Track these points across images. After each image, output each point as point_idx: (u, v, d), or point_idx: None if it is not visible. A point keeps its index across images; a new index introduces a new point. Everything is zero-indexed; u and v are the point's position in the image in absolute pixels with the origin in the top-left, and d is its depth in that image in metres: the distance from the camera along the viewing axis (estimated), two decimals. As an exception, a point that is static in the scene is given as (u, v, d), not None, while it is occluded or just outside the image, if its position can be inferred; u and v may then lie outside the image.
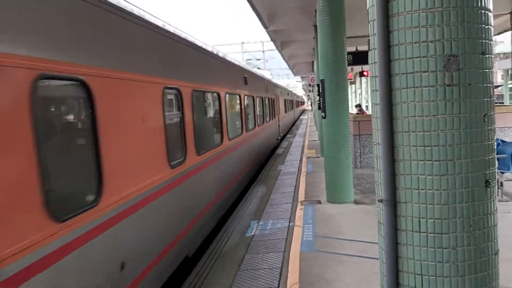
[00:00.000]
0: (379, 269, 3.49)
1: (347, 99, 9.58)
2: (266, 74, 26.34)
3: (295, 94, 55.57)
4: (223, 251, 7.07)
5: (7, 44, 2.97)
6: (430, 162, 2.99)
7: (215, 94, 8.93)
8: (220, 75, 9.57)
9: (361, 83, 45.10)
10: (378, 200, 3.38)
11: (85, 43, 3.92)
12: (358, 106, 23.01)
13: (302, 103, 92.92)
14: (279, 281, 5.68)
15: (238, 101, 11.64)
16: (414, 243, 3.10)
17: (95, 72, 3.99)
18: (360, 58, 17.38)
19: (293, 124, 44.97)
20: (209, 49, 8.78)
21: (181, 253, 6.02)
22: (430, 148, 2.99)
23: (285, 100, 32.04)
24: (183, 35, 6.88)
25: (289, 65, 37.61)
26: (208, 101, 8.79)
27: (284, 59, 31.40)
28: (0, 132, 2.88)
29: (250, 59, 62.53)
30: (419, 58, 2.96)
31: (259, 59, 58.38)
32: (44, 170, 3.20)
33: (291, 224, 8.19)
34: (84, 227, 3.65)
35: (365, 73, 34.20)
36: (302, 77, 60.05)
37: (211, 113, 9.12)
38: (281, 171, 14.85)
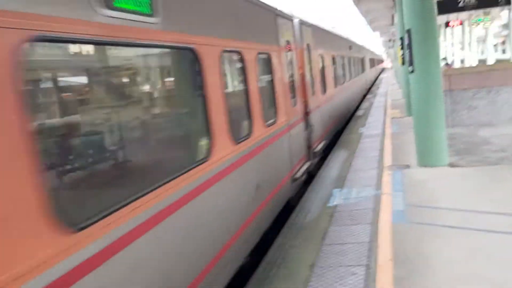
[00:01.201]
0: None
1: (438, 49, 8.49)
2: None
3: (374, 53, 59.45)
4: (304, 223, 6.55)
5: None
6: None
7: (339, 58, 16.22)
8: (339, 45, 16.85)
9: (445, 35, 41.86)
10: None
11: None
12: (444, 59, 21.16)
13: (381, 61, 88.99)
14: (369, 258, 5.07)
15: (347, 61, 19.02)
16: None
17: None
18: (445, 6, 15.85)
19: (374, 81, 46.77)
20: (335, 32, 15.73)
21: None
22: None
23: (369, 59, 39.06)
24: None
25: (367, 21, 35.57)
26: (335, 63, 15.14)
27: (361, 14, 29.62)
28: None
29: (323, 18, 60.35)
30: None
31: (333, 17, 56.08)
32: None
33: (378, 192, 7.46)
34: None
35: (450, 23, 31.51)
36: (381, 33, 56.99)
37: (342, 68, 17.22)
38: (362, 133, 13.95)
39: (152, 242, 3.21)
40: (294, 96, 8.26)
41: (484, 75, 12.31)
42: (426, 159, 8.65)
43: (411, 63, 8.56)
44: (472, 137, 10.77)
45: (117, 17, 3.05)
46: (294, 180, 7.68)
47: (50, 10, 2.46)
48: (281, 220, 6.91)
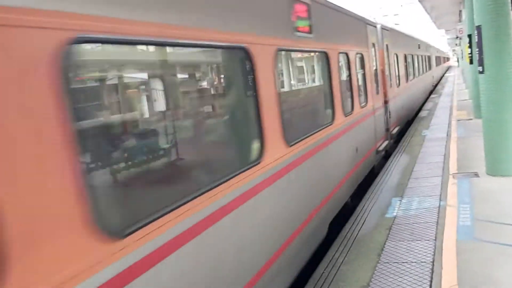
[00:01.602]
0: None
1: (512, 48, 7.71)
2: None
3: (440, 51, 59.29)
4: (359, 236, 6.10)
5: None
6: None
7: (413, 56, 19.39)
8: (409, 44, 18.90)
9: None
10: None
11: None
12: None
13: (447, 59, 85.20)
14: (431, 280, 4.56)
15: (416, 59, 21.11)
16: None
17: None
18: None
19: (440, 80, 46.20)
20: (406, 32, 17.93)
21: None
22: None
23: (435, 57, 40.75)
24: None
25: (431, 17, 33.97)
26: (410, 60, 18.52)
27: (426, 10, 28.27)
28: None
29: (387, 15, 58.65)
30: None
31: (397, 14, 54.59)
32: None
33: (442, 203, 6.86)
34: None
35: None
36: (446, 31, 54.37)
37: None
38: (426, 137, 13.15)
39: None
40: (377, 87, 10.66)
41: None
42: (496, 167, 7.89)
43: (481, 63, 7.83)
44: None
45: None
46: (378, 152, 10.12)
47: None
48: (335, 229, 6.51)
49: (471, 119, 15.20)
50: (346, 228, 6.47)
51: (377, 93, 10.53)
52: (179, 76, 4.85)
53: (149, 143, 3.85)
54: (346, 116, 7.22)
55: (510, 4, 7.73)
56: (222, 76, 5.09)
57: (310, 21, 5.80)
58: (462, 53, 31.98)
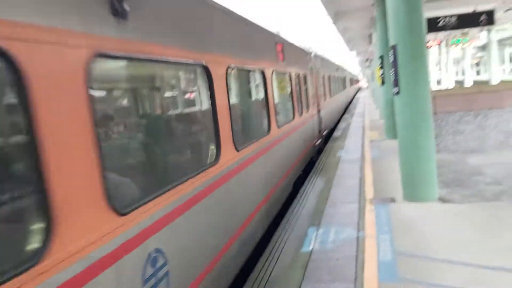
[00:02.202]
0: None
1: (428, 68, 7.48)
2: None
3: (352, 73, 65.35)
4: (272, 276, 5.33)
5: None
6: None
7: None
8: (330, 68, 22.25)
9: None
10: None
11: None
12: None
13: (357, 81, 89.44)
14: (353, 335, 3.88)
15: (334, 79, 24.50)
16: None
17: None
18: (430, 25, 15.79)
19: (351, 100, 49.20)
20: (328, 58, 22.75)
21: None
22: None
23: (349, 79, 45.73)
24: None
25: (344, 39, 35.00)
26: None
27: (338, 31, 28.94)
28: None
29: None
30: None
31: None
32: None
33: (360, 233, 6.32)
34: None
35: (429, 43, 31.12)
36: (358, 53, 56.78)
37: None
38: (341, 158, 12.90)
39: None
40: (315, 98, 14.35)
41: (471, 97, 11.43)
42: (413, 192, 7.58)
43: (396, 84, 7.53)
44: (461, 165, 9.79)
45: None
46: (314, 146, 13.44)
47: None
48: (248, 267, 5.69)
49: (383, 140, 15.30)
50: (259, 267, 5.68)
51: (314, 103, 13.91)
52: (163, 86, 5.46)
53: (137, 143, 4.37)
54: (301, 116, 11.05)
55: (424, 23, 7.53)
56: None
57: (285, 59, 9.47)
58: (372, 75, 33.15)
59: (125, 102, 4.72)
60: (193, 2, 4.66)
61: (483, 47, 39.53)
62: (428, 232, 6.08)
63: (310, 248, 6.04)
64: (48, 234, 2.29)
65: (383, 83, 15.59)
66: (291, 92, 10.11)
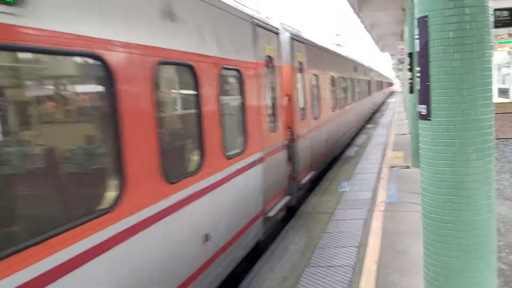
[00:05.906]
0: None
1: (491, 77, 3.59)
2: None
3: (383, 75, 57.59)
4: None
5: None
6: None
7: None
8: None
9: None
10: None
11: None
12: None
13: (390, 84, 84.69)
14: None
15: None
16: None
17: None
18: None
19: (380, 106, 42.97)
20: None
21: None
22: None
23: (376, 81, 36.98)
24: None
25: (372, 37, 30.82)
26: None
27: (365, 28, 24.88)
28: None
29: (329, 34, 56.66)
30: None
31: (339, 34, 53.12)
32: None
33: None
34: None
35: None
36: (391, 55, 52.23)
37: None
38: (342, 196, 9.02)
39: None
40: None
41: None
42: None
43: (424, 100, 3.67)
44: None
45: None
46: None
47: None
48: None
49: (407, 167, 11.33)
50: None
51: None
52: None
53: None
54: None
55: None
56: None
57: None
58: (404, 77, 28.86)
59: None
60: None
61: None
62: None
63: None
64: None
65: (411, 91, 11.61)
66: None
